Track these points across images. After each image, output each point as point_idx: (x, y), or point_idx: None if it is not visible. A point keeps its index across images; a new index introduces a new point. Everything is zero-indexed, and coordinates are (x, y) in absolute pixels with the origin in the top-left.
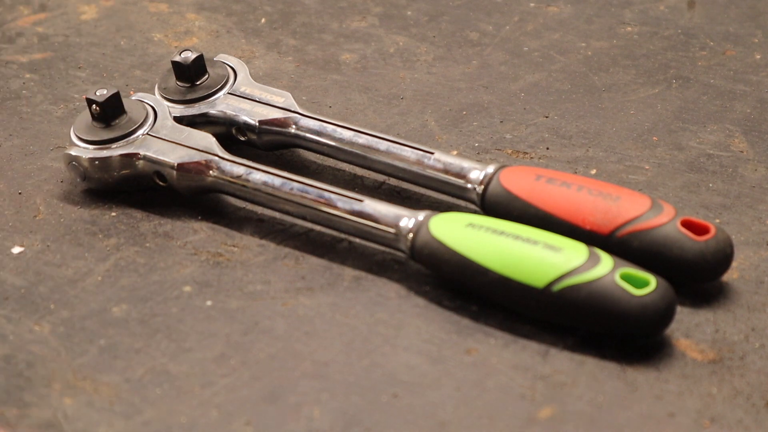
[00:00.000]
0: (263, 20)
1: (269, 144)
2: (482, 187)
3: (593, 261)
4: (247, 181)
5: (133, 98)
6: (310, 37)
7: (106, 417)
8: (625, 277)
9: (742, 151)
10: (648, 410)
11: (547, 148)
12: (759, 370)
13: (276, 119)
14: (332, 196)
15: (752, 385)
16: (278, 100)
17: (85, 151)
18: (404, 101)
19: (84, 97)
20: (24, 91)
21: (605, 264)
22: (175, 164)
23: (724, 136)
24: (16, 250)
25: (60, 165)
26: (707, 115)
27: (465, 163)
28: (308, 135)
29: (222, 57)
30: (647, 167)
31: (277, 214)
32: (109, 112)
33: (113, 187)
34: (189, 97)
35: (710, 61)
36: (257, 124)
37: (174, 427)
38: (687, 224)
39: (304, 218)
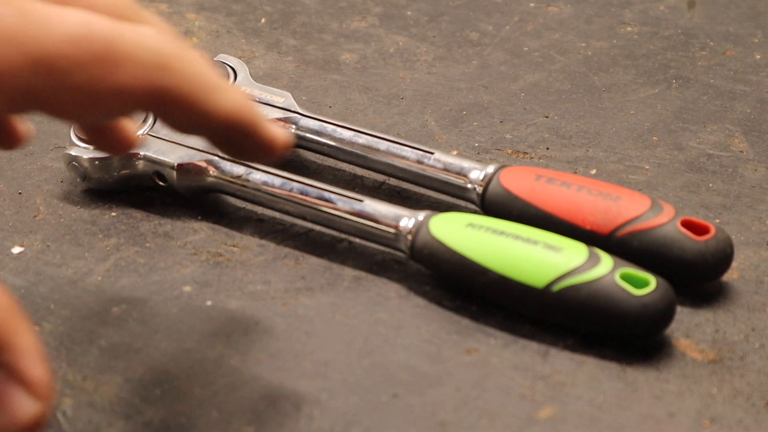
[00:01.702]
0: (263, 20)
1: None
2: (482, 187)
3: (593, 261)
4: (247, 181)
5: None
6: (310, 37)
7: (106, 417)
8: (625, 277)
9: (742, 151)
10: (648, 410)
11: (547, 148)
12: (759, 370)
13: (276, 119)
14: (332, 196)
15: (752, 385)
16: (278, 100)
17: (85, 151)
18: (404, 101)
19: None
20: None
21: (605, 264)
22: (175, 164)
23: (724, 136)
24: (16, 250)
25: (60, 165)
26: (707, 115)
27: (465, 163)
28: (308, 135)
29: (222, 57)
30: (647, 167)
31: (277, 214)
32: None
33: (113, 187)
34: None
35: (710, 61)
36: None
37: (174, 427)
38: (687, 224)
39: (304, 218)
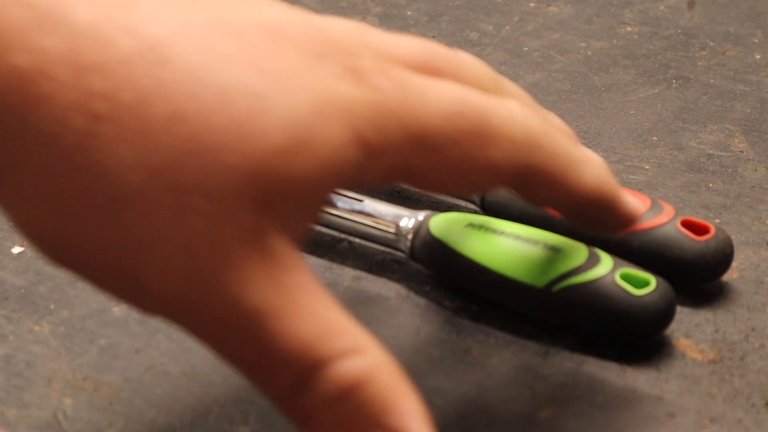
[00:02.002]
0: None
1: None
2: None
3: (593, 261)
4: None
5: None
6: None
7: (106, 417)
8: (625, 277)
9: (742, 151)
10: (648, 410)
11: None
12: (759, 370)
13: None
14: (332, 196)
15: (752, 385)
16: None
17: None
18: None
19: None
20: None
21: (605, 264)
22: None
23: (724, 136)
24: (16, 250)
25: None
26: (707, 115)
27: None
28: None
29: None
30: (647, 167)
31: None
32: None
33: None
34: None
35: (710, 61)
36: None
37: (174, 427)
38: (687, 224)
39: None
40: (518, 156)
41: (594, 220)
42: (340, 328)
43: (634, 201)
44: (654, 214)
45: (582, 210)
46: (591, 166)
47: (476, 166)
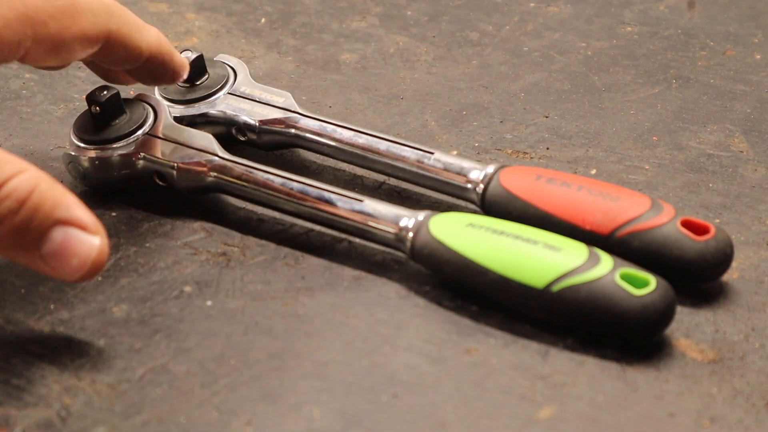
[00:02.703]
0: (263, 20)
1: (269, 144)
2: (482, 187)
3: (593, 261)
4: (247, 181)
5: (134, 98)
6: (310, 37)
7: (106, 417)
8: (625, 277)
9: (742, 151)
10: (648, 410)
11: (547, 148)
12: (759, 370)
13: (276, 119)
14: (332, 196)
15: (752, 385)
16: (278, 100)
17: (85, 151)
18: (404, 101)
19: (84, 96)
20: (24, 91)
21: (605, 264)
22: (175, 164)
23: (724, 136)
24: None
25: (60, 165)
26: (707, 115)
27: (465, 163)
28: (308, 135)
29: (222, 57)
30: (647, 167)
31: (277, 214)
32: (109, 112)
33: (113, 187)
34: (189, 97)
35: (710, 61)
36: (257, 124)
37: (174, 427)
38: (687, 224)
39: (304, 218)
40: (101, 24)
41: (156, 74)
42: (3, 159)
43: (181, 57)
44: (654, 214)
45: (148, 65)
46: (152, 30)
47: (71, 36)
